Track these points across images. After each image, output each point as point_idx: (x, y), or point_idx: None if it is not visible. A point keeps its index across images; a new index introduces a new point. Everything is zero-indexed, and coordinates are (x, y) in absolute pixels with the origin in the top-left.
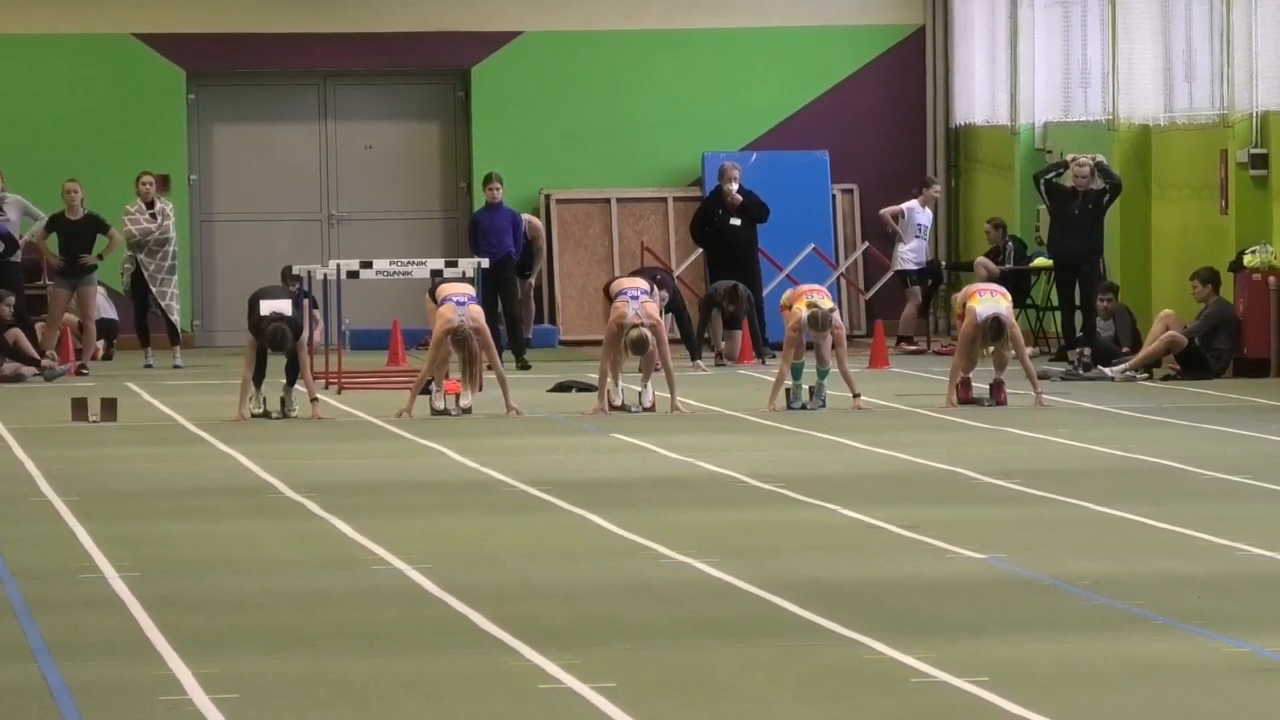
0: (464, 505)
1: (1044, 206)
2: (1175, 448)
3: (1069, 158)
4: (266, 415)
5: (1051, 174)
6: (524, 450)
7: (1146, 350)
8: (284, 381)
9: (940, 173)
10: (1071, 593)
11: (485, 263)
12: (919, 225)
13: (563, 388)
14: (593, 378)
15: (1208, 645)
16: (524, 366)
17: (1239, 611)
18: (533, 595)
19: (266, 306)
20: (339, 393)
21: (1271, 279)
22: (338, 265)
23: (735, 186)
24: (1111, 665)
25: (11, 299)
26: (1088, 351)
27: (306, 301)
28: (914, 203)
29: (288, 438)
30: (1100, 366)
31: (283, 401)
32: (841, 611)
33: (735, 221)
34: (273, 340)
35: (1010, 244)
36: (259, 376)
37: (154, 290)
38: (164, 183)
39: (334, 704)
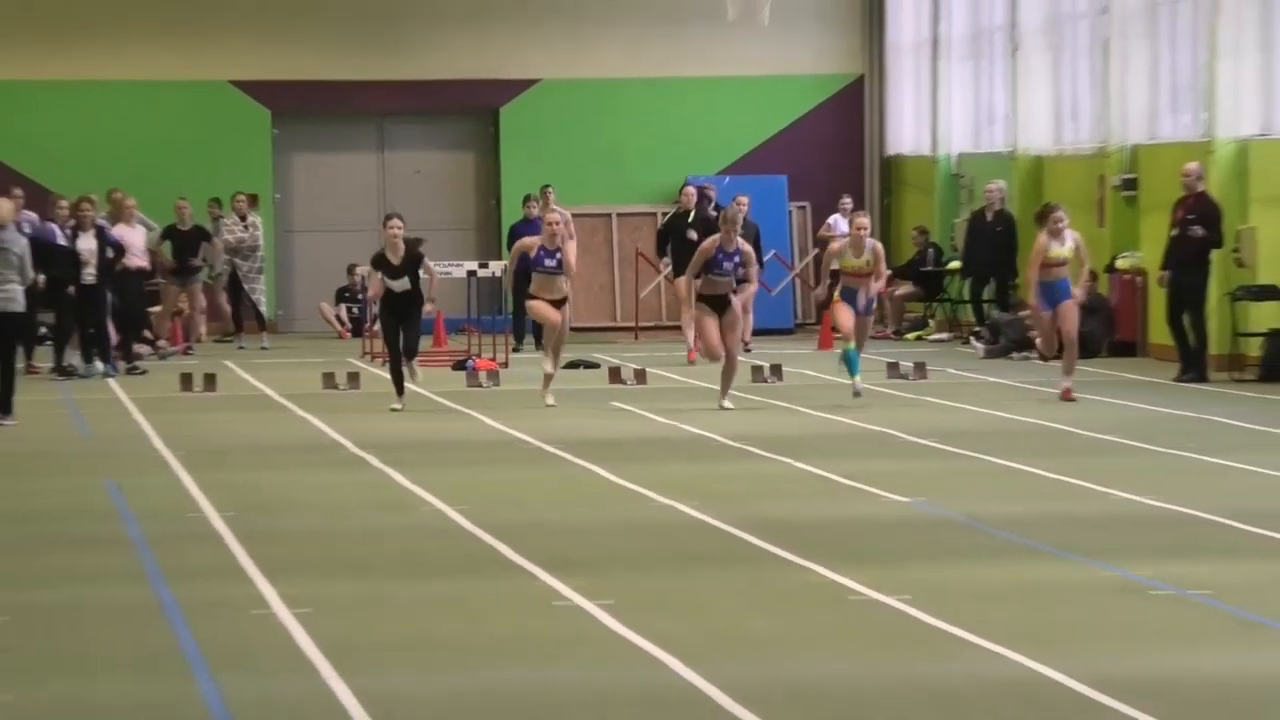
0: (493, 459)
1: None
2: (1062, 414)
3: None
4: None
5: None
6: (541, 415)
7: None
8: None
9: (875, 193)
10: (979, 529)
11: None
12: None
13: (573, 365)
14: (597, 358)
15: (1088, 570)
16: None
17: (1113, 544)
18: (549, 531)
19: (391, 283)
20: None
21: (1138, 278)
22: None
23: (694, 202)
24: (1011, 586)
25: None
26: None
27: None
28: (836, 216)
29: (353, 407)
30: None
31: (409, 372)
32: (795, 544)
33: (692, 235)
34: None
35: (930, 249)
36: (398, 376)
37: (246, 287)
38: (254, 201)
39: (388, 619)
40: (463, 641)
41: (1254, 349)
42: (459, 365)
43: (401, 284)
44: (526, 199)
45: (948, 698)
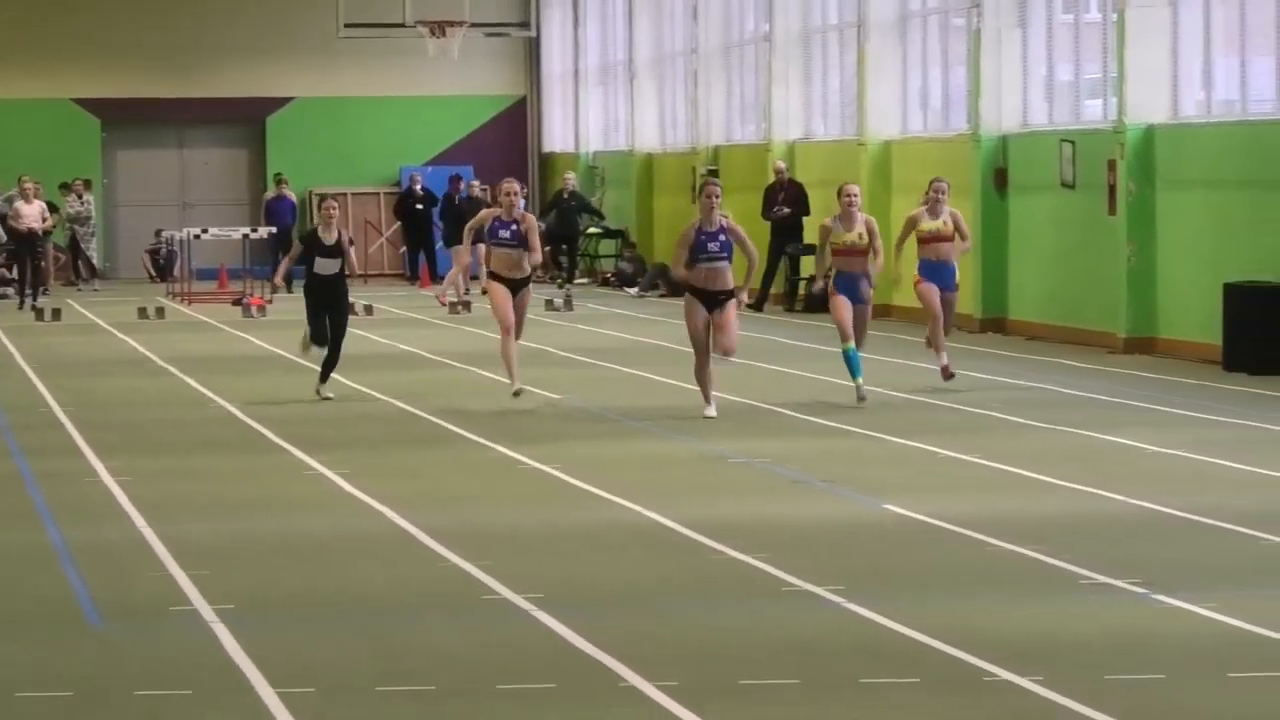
0: (262, 370)
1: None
2: (663, 332)
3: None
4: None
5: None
6: (297, 338)
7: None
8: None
9: (536, 179)
10: (610, 417)
11: (274, 230)
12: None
13: None
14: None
15: (685, 446)
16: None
17: (701, 427)
18: (302, 421)
19: (320, 264)
20: (189, 304)
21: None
22: (189, 231)
23: (421, 187)
24: (632, 458)
25: None
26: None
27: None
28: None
29: (160, 330)
30: (626, 288)
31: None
32: (479, 428)
33: (419, 206)
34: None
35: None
36: (319, 337)
37: (82, 246)
38: (87, 185)
39: (185, 483)
40: (239, 500)
41: (803, 289)
42: (236, 302)
43: (332, 265)
44: (278, 180)
45: (588, 537)
